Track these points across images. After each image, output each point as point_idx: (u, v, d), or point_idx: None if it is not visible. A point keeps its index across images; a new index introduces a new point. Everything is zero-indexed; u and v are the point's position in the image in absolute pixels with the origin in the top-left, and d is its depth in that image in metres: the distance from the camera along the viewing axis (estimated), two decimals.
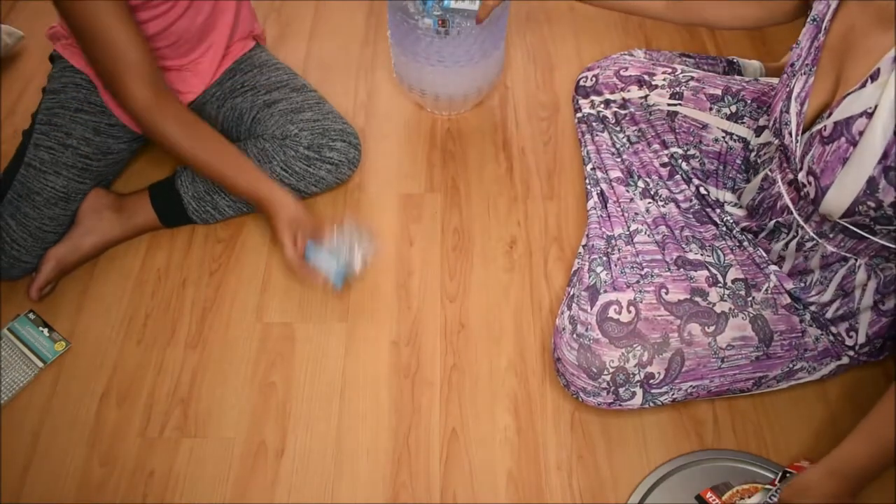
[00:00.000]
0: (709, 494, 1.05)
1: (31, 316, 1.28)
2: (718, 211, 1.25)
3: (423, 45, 1.43)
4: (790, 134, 1.04)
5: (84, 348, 1.27)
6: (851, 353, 1.15)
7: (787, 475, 1.05)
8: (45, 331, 1.27)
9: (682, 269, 1.19)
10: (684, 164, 1.31)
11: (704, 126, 1.31)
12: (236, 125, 1.43)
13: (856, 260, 1.08)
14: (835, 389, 1.20)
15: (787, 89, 1.06)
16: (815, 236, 1.09)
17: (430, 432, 1.17)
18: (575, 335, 1.14)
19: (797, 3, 1.13)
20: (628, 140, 1.37)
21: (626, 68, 1.40)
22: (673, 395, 1.14)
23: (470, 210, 1.45)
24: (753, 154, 1.25)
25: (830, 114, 0.97)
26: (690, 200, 1.29)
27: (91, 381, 1.23)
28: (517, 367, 1.24)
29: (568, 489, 1.11)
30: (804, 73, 1.03)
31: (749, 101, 1.29)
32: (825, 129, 0.97)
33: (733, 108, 1.30)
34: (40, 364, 1.24)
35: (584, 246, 1.30)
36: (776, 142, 1.12)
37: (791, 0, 1.13)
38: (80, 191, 1.32)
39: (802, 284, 1.14)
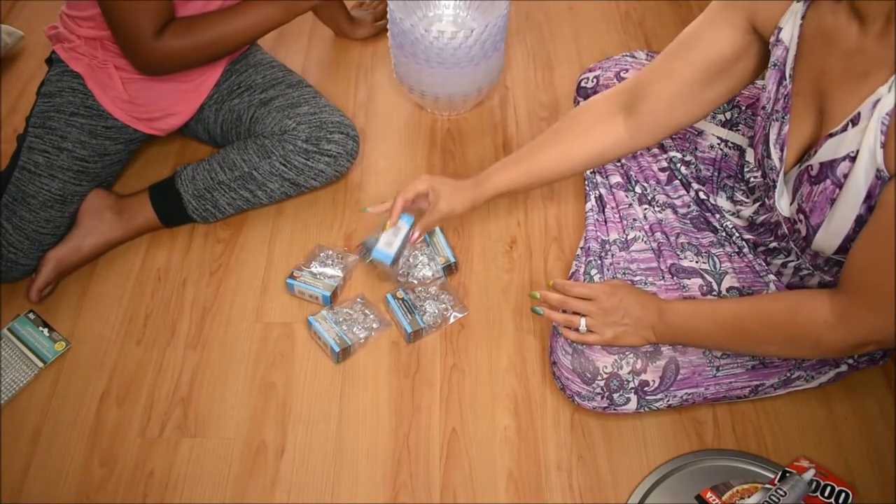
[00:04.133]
0: (709, 494, 1.05)
1: (31, 316, 1.28)
2: (718, 216, 1.24)
3: (423, 46, 1.43)
4: (777, 176, 1.03)
5: (84, 348, 1.27)
6: (850, 360, 1.15)
7: (787, 475, 1.05)
8: (45, 331, 1.27)
9: (675, 278, 1.19)
10: (683, 169, 1.30)
11: (700, 133, 1.31)
12: (235, 126, 1.43)
13: None
14: (835, 390, 1.19)
15: (764, 132, 1.04)
16: (811, 268, 1.09)
17: (430, 432, 1.17)
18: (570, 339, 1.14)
19: (756, 62, 1.05)
20: None
21: (627, 70, 1.40)
22: (668, 401, 1.14)
23: None
24: (749, 172, 1.24)
25: (816, 152, 0.95)
26: (689, 206, 1.28)
27: (91, 381, 1.23)
28: (517, 367, 1.24)
29: (568, 489, 1.11)
30: (777, 120, 1.00)
31: (744, 108, 1.28)
32: (812, 169, 0.96)
33: (728, 115, 1.29)
34: (40, 364, 1.24)
35: (581, 248, 1.29)
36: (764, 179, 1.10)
37: (750, 63, 1.06)
38: (78, 193, 1.32)
39: None
